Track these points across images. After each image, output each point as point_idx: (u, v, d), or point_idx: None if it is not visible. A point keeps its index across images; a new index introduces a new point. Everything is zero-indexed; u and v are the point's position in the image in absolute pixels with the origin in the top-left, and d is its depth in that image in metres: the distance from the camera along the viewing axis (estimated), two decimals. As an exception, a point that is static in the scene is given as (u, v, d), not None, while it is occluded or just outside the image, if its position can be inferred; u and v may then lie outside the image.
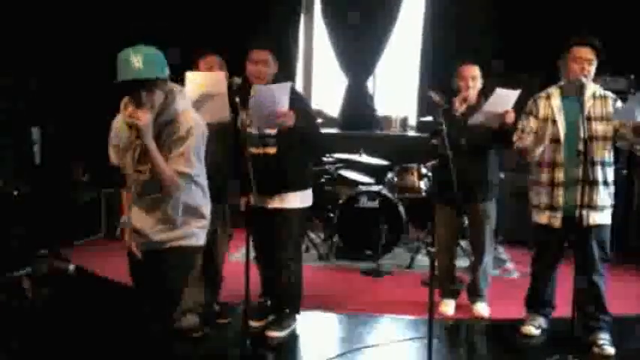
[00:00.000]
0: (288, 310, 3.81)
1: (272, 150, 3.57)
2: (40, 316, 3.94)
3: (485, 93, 4.01)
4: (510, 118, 3.69)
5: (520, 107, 3.74)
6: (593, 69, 3.48)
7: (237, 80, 3.24)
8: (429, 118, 4.96)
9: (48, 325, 3.78)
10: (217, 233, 3.76)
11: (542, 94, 3.68)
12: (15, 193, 5.00)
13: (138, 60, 2.48)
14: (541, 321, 3.84)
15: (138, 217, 2.72)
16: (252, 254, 3.78)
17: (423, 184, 5.52)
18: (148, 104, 2.54)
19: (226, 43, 3.92)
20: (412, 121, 7.28)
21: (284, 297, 3.80)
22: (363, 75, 7.14)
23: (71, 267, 4.72)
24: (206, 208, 2.83)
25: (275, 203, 3.63)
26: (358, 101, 7.18)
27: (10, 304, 4.06)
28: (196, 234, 2.79)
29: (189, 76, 3.34)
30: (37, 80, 5.85)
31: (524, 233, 5.45)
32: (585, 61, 3.45)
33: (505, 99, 3.65)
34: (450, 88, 4.01)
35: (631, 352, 3.67)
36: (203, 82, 3.35)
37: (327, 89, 7.52)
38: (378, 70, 7.23)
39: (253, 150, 3.48)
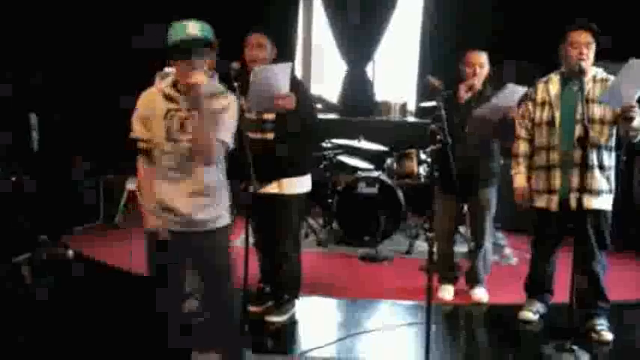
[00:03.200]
0: (287, 296, 3.82)
1: (270, 135, 3.55)
2: (39, 302, 3.94)
3: (490, 81, 4.00)
4: (513, 112, 3.67)
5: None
6: (591, 52, 3.44)
7: (235, 65, 3.22)
8: (432, 103, 4.93)
9: (47, 311, 3.79)
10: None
11: (543, 79, 3.66)
12: (13, 179, 4.99)
13: (194, 27, 2.53)
14: (539, 306, 3.85)
15: (169, 193, 2.65)
16: (252, 240, 3.78)
17: (422, 170, 5.52)
18: (201, 69, 2.55)
19: (225, 30, 3.89)
20: (411, 106, 7.26)
21: (283, 283, 3.81)
22: (362, 61, 7.11)
23: (70, 253, 4.73)
24: (228, 187, 2.85)
25: (273, 189, 3.62)
26: (357, 87, 7.16)
27: (9, 291, 4.07)
28: (225, 215, 2.80)
29: None
30: (36, 68, 5.81)
31: (524, 220, 5.45)
32: (582, 44, 3.41)
33: (513, 95, 3.59)
34: (450, 73, 3.98)
35: (630, 337, 3.68)
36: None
37: (326, 75, 7.49)
38: (378, 56, 7.18)
39: (251, 135, 3.46)
